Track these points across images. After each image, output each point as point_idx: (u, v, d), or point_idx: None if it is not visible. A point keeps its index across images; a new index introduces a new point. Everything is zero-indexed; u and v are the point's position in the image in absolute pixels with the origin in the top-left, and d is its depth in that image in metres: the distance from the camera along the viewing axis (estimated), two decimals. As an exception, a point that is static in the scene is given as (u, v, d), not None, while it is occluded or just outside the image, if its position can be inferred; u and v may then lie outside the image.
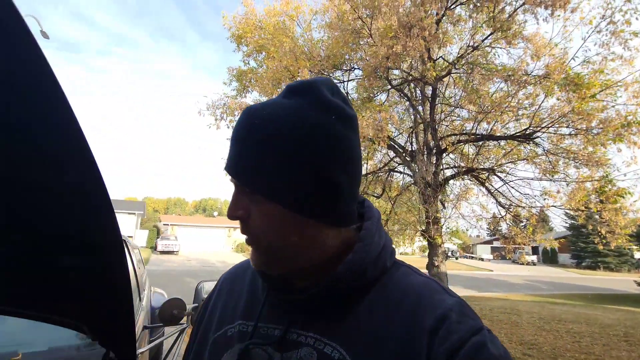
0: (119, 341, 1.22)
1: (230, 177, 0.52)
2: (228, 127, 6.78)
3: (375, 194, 8.00)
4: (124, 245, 1.02)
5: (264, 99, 7.26)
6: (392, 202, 7.85)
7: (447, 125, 7.61)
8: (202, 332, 0.66)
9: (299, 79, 5.74)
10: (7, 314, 1.07)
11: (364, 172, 7.82)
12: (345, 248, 0.54)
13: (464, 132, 6.90)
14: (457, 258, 38.56)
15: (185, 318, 1.68)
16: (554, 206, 6.85)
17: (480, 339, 0.45)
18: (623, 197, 5.36)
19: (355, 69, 6.86)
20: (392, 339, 0.47)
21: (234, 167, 0.50)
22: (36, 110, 0.57)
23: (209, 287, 1.77)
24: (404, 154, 7.60)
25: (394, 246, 0.60)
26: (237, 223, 0.56)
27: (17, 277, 1.02)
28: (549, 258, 39.04)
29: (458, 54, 6.19)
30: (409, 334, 0.47)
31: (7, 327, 1.16)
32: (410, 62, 5.50)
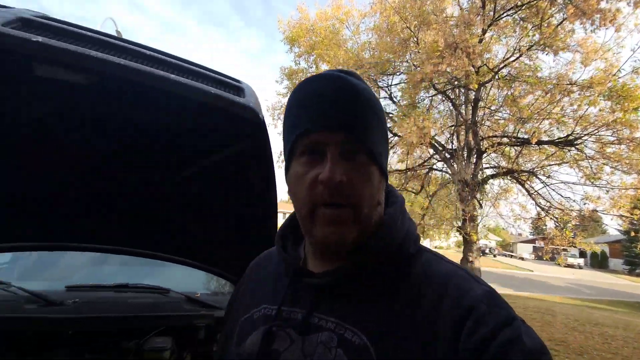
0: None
1: (333, 135, 0.50)
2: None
3: (414, 191, 8.42)
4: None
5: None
6: (430, 198, 8.25)
7: (489, 126, 7.79)
8: (232, 316, 0.68)
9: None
10: (188, 265, 1.78)
11: (402, 168, 8.28)
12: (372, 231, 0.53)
13: (505, 134, 7.10)
14: (494, 255, 37.39)
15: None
16: (595, 211, 6.92)
17: (513, 330, 0.43)
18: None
19: (400, 73, 7.27)
20: (415, 327, 0.46)
21: (348, 124, 0.50)
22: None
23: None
24: (443, 152, 7.94)
25: (418, 233, 0.59)
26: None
27: (197, 240, 1.70)
28: (598, 262, 36.76)
29: (503, 57, 6.39)
30: (433, 324, 0.45)
31: (193, 274, 1.90)
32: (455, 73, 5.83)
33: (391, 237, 0.54)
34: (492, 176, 7.77)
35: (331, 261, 0.55)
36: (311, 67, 8.59)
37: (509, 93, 6.09)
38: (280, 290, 0.59)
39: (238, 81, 1.11)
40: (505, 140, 7.11)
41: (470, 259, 7.57)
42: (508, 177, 7.73)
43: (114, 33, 10.79)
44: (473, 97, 6.76)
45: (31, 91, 0.97)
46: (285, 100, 8.56)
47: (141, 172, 1.31)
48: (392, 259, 0.53)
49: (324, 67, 8.07)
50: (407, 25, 5.82)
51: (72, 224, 1.50)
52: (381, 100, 8.37)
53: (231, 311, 0.70)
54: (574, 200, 7.10)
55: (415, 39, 5.97)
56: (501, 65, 6.08)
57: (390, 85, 7.82)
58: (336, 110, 0.50)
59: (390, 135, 8.24)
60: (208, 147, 1.14)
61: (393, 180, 9.07)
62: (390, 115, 7.86)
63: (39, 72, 0.88)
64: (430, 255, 0.56)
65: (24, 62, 0.83)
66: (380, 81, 7.46)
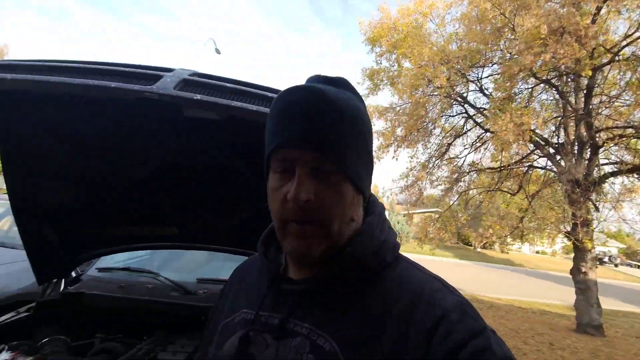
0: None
1: (302, 152, 0.50)
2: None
3: (510, 191, 7.65)
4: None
5: (396, 99, 7.81)
6: (530, 199, 7.39)
7: (607, 115, 6.61)
8: (214, 320, 0.69)
9: (436, 84, 6.04)
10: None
11: (496, 165, 7.59)
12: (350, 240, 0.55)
13: (630, 124, 5.93)
14: (616, 265, 31.34)
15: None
16: None
17: (482, 341, 0.44)
18: None
19: (493, 64, 6.68)
20: (386, 335, 0.47)
21: (317, 142, 0.49)
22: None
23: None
24: (547, 147, 7.03)
25: (397, 242, 0.60)
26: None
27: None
28: None
29: (625, 33, 5.35)
30: (404, 332, 0.47)
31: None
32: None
33: (367, 245, 0.54)
34: (613, 174, 6.60)
35: (310, 268, 0.55)
36: (393, 66, 8.48)
37: (634, 77, 5.09)
38: (261, 295, 0.60)
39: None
40: (630, 131, 5.97)
41: (583, 269, 6.58)
42: (635, 175, 6.49)
43: (214, 51, 12.25)
44: (586, 83, 5.83)
45: (178, 126, 1.25)
46: (367, 102, 8.64)
47: (260, 190, 1.54)
48: (367, 267, 0.54)
49: (407, 65, 7.88)
50: (501, 11, 5.32)
51: (213, 228, 1.81)
52: (471, 94, 7.82)
53: (214, 315, 0.71)
54: None
55: (511, 26, 5.42)
56: (623, 44, 5.12)
57: (481, 78, 7.25)
58: (306, 126, 0.49)
59: (481, 131, 7.64)
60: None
61: (485, 179, 8.39)
62: (482, 109, 7.28)
63: (187, 113, 1.14)
64: (407, 265, 0.57)
65: (180, 109, 1.08)
66: (469, 74, 6.96)
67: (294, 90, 0.52)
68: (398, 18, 7.92)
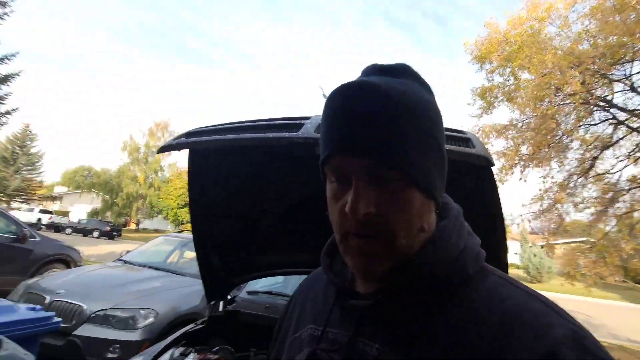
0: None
1: (356, 160, 0.43)
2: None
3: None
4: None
5: (516, 115, 7.07)
6: None
7: None
8: (282, 334, 0.67)
9: (567, 90, 5.30)
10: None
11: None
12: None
13: None
14: None
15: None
16: None
17: None
18: None
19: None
20: None
21: (372, 147, 0.42)
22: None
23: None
24: None
25: (481, 249, 0.51)
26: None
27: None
28: None
29: None
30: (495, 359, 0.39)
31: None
32: None
33: (440, 253, 0.46)
34: None
35: (378, 281, 0.49)
36: (508, 80, 7.78)
37: None
38: (327, 310, 0.55)
39: (464, 132, 1.25)
40: None
41: None
42: None
43: (322, 96, 13.96)
44: None
45: (312, 163, 1.45)
46: (481, 121, 8.08)
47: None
48: (442, 278, 0.45)
49: (525, 76, 7.14)
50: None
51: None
52: (618, 95, 6.52)
53: (280, 330, 0.68)
54: None
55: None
56: None
57: (630, 75, 5.98)
58: (357, 131, 0.43)
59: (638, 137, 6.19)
60: (450, 193, 1.31)
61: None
62: (637, 112, 5.94)
63: (317, 151, 1.32)
64: (498, 278, 0.47)
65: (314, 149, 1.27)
66: (611, 74, 5.85)
67: (344, 88, 0.45)
68: (509, 30, 7.35)
